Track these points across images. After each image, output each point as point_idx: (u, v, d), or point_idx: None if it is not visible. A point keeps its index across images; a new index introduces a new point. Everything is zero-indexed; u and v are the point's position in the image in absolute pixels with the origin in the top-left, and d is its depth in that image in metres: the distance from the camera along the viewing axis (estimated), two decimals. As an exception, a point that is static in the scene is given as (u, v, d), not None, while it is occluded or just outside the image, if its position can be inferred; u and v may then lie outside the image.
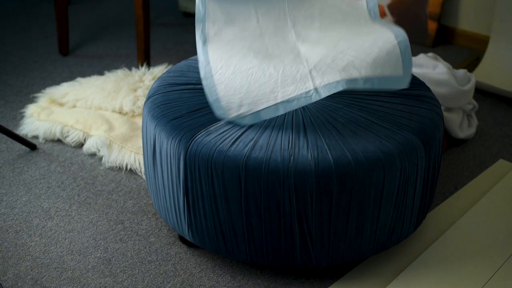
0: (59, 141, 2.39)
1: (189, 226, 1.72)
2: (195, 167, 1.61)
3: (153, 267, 1.81)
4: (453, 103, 2.29)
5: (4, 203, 2.06)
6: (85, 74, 2.86)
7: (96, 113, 2.45)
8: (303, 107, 1.75)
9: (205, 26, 1.68)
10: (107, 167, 2.24)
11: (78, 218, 2.00)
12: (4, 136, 2.38)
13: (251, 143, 1.61)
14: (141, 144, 2.27)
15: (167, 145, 1.67)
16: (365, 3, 1.86)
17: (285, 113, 1.72)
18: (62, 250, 1.87)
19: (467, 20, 3.18)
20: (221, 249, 1.71)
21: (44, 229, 1.95)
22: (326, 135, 1.64)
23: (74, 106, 2.52)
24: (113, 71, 2.75)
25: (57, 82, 2.78)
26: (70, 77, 2.83)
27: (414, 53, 3.12)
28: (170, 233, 1.94)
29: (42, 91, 2.65)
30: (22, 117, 2.51)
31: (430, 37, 3.20)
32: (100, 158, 2.28)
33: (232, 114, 1.62)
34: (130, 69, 2.80)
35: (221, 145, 1.60)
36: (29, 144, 2.31)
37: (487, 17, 3.08)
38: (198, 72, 1.93)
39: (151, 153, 1.77)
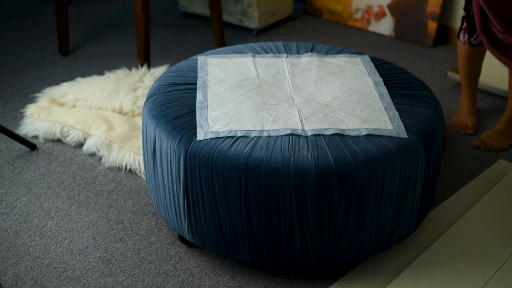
0: (59, 141, 2.39)
1: (189, 226, 1.72)
2: (195, 167, 1.61)
3: (153, 267, 1.81)
4: None
5: (4, 203, 2.06)
6: (85, 74, 2.86)
7: (96, 113, 2.45)
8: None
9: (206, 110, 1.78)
10: (106, 167, 2.23)
11: (78, 218, 2.00)
12: (4, 136, 2.38)
13: (251, 143, 1.61)
14: (141, 144, 2.27)
15: (167, 145, 1.66)
16: (360, 60, 2.01)
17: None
18: (62, 250, 1.87)
19: (467, 20, 3.17)
20: (221, 249, 1.71)
21: (44, 229, 1.95)
22: (326, 135, 1.64)
23: (74, 106, 2.52)
24: (113, 71, 2.75)
25: (57, 82, 2.78)
26: (70, 77, 2.83)
27: (414, 54, 3.12)
28: (170, 233, 1.94)
29: (42, 91, 2.65)
30: (22, 117, 2.51)
31: (430, 37, 3.19)
32: (100, 158, 2.28)
33: (214, 129, 1.65)
34: (130, 69, 2.80)
35: (221, 145, 1.60)
36: (29, 144, 2.31)
37: (487, 17, 3.07)
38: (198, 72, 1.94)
39: (151, 153, 1.76)
